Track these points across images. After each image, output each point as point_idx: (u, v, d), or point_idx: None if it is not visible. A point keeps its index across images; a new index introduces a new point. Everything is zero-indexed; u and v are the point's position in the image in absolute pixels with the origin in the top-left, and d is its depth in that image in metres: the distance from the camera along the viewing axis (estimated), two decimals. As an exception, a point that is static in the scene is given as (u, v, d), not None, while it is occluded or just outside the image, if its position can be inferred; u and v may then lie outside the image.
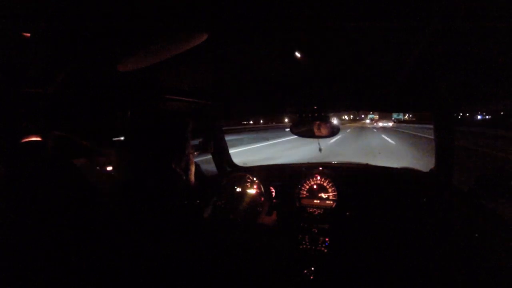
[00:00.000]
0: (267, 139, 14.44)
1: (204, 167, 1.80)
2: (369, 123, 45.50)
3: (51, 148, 0.83)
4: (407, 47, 0.71)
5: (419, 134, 16.97)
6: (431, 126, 1.44)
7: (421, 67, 0.85)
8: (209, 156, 1.87)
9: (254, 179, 1.56)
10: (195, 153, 0.77)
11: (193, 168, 0.75)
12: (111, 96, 0.98)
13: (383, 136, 16.13)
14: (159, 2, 0.48)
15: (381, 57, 0.82)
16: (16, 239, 0.62)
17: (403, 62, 0.81)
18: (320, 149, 1.74)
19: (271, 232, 1.03)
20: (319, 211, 1.53)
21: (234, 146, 10.37)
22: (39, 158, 0.71)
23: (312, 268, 1.36)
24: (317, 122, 1.48)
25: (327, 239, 1.44)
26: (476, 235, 1.04)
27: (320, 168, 1.74)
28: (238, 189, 1.51)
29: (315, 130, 1.50)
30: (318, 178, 1.61)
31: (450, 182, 1.32)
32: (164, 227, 0.61)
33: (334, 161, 1.95)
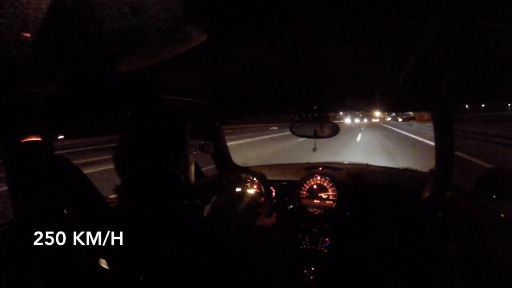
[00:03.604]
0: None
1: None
2: (349, 123, 36.71)
3: (51, 148, 0.83)
4: (407, 47, 0.71)
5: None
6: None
7: (421, 67, 0.85)
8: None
9: (254, 179, 1.56)
10: (193, 151, 0.76)
11: (192, 168, 0.75)
12: (111, 96, 0.98)
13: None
14: (159, 2, 0.48)
15: (382, 57, 0.82)
16: (16, 239, 0.62)
17: (403, 62, 0.81)
18: (314, 149, 1.75)
19: (271, 232, 1.02)
20: (319, 211, 1.53)
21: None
22: (39, 158, 0.71)
23: (312, 268, 1.36)
24: (318, 122, 1.49)
25: (327, 239, 1.44)
26: (476, 235, 1.04)
27: (320, 168, 1.74)
28: (238, 189, 1.51)
29: (315, 130, 1.50)
30: (318, 178, 1.61)
31: (450, 182, 1.32)
32: (164, 227, 0.61)
33: (339, 162, 1.95)
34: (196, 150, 0.76)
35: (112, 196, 0.78)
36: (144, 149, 0.64)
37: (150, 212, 0.62)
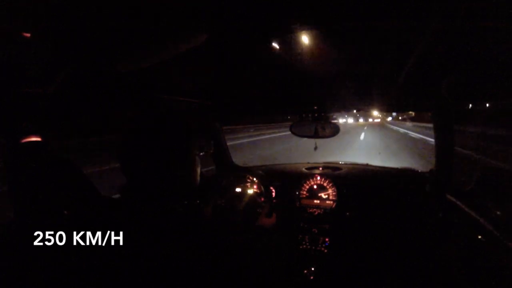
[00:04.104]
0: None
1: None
2: (343, 123, 30.70)
3: (51, 148, 0.83)
4: (407, 47, 0.71)
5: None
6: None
7: (421, 67, 0.85)
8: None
9: (254, 179, 1.55)
10: (201, 154, 0.76)
11: (198, 170, 0.74)
12: (111, 96, 0.98)
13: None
14: (159, 2, 0.48)
15: (381, 57, 0.82)
16: (16, 239, 0.62)
17: (403, 62, 0.81)
18: (315, 148, 1.75)
19: (271, 232, 1.02)
20: (319, 211, 1.53)
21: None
22: (39, 158, 0.71)
23: (312, 268, 1.36)
24: (318, 122, 1.49)
25: (327, 239, 1.44)
26: (476, 235, 1.04)
27: (320, 168, 1.74)
28: (238, 189, 1.51)
29: (316, 130, 1.50)
30: (318, 178, 1.61)
31: (450, 182, 1.32)
32: (164, 227, 0.61)
33: (339, 162, 1.95)
34: (203, 153, 0.76)
35: (114, 196, 0.78)
36: (144, 149, 0.64)
37: (150, 212, 0.62)
